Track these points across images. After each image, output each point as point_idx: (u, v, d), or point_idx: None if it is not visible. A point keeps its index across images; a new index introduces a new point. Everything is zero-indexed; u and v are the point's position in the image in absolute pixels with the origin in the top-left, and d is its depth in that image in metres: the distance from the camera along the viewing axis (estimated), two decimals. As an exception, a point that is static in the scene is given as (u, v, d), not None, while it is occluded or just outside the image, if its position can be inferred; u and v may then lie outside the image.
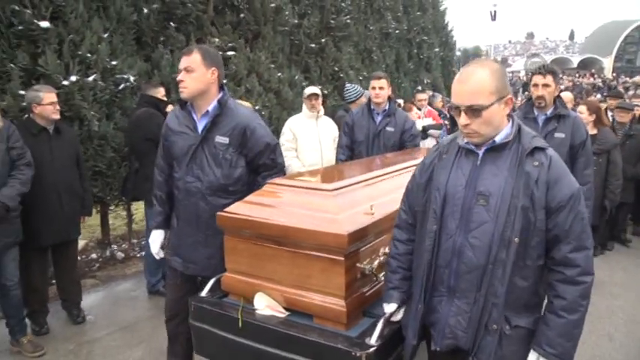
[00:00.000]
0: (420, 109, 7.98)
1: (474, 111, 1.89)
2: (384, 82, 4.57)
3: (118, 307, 4.90)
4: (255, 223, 2.43)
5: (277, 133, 6.15)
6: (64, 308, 4.54)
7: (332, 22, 9.58)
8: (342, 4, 9.95)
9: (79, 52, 5.22)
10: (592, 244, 1.94)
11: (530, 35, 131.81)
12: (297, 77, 8.59)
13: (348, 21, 9.99)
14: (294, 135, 5.42)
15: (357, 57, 10.65)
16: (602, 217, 6.07)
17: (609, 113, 7.38)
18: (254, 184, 2.90)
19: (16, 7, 4.80)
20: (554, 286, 1.93)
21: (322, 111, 5.61)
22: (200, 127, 2.88)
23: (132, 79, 5.74)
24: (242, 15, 7.72)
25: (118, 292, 5.28)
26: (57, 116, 4.11)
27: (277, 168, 3.01)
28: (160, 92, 4.94)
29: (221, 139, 2.83)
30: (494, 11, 39.95)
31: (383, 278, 2.45)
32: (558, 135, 3.83)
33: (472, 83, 1.91)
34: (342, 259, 2.22)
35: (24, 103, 4.55)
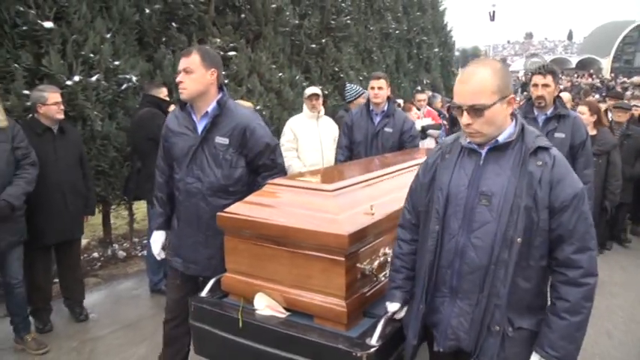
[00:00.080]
0: (419, 110, 7.99)
1: (476, 110, 1.87)
2: (383, 83, 4.55)
3: (121, 305, 4.90)
4: (256, 223, 2.42)
5: (278, 133, 6.17)
6: (66, 306, 4.55)
7: (332, 22, 9.56)
8: (343, 5, 9.92)
9: (83, 53, 5.22)
10: (596, 245, 1.91)
11: (529, 35, 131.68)
12: (297, 77, 8.57)
13: (349, 21, 9.96)
14: (295, 135, 5.42)
15: (357, 57, 10.63)
16: (602, 218, 6.07)
17: (609, 114, 7.40)
18: (254, 185, 2.88)
19: (21, 8, 4.80)
20: (556, 287, 1.90)
21: (323, 111, 5.61)
22: (200, 127, 2.87)
23: (134, 79, 5.74)
24: (243, 15, 7.71)
25: (120, 291, 5.29)
26: (61, 116, 4.12)
27: (277, 168, 2.99)
28: (163, 92, 4.95)
29: (221, 140, 2.82)
30: (493, 11, 39.95)
31: (383, 278, 2.44)
32: (558, 135, 3.81)
33: (474, 83, 1.89)
34: (343, 259, 2.21)
35: (28, 103, 4.56)
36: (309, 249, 2.29)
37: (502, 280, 1.87)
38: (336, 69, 9.63)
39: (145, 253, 5.89)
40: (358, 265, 2.31)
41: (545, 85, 3.89)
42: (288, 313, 2.40)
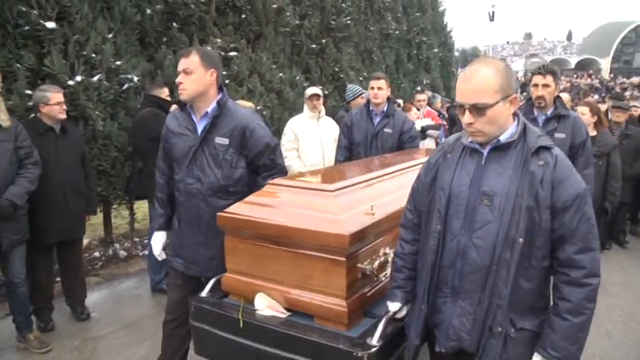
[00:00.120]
0: (419, 110, 8.00)
1: (478, 109, 1.86)
2: (382, 83, 4.54)
3: (122, 304, 4.89)
4: (256, 223, 2.41)
5: (279, 133, 6.18)
6: (68, 305, 4.55)
7: (332, 22, 9.56)
8: (343, 5, 9.94)
9: (84, 53, 5.23)
10: (598, 246, 1.89)
11: (528, 36, 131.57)
12: (298, 78, 8.58)
13: (349, 22, 9.97)
14: (296, 135, 5.42)
15: (357, 57, 10.64)
16: (602, 219, 6.07)
17: (609, 114, 7.40)
18: (254, 185, 2.88)
19: (23, 8, 4.81)
20: (559, 287, 1.88)
21: (323, 111, 5.61)
22: (200, 128, 2.86)
23: (135, 79, 5.75)
24: (244, 16, 7.71)
25: (122, 290, 5.28)
26: (63, 116, 4.12)
27: (277, 168, 2.98)
28: (164, 92, 4.95)
29: (221, 140, 2.81)
30: (493, 12, 39.97)
31: (383, 278, 2.43)
32: (558, 135, 3.79)
33: (476, 81, 1.87)
34: (344, 259, 2.20)
35: (30, 103, 4.57)
36: (309, 249, 2.28)
37: (504, 281, 1.85)
38: (337, 69, 9.63)
39: (146, 252, 5.90)
40: (359, 265, 2.30)
41: (546, 86, 3.88)
42: (288, 314, 2.39)
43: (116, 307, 4.83)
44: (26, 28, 4.86)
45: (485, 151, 1.96)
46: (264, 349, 2.29)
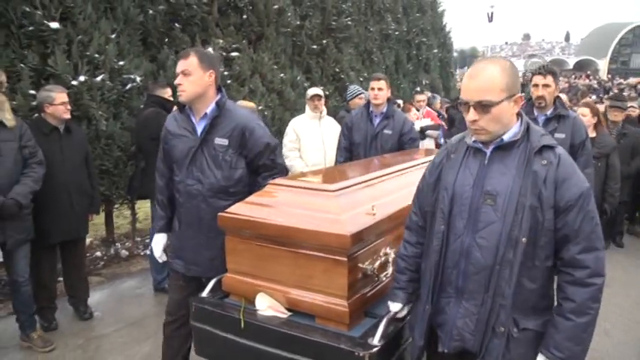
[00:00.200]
0: (418, 110, 8.01)
1: (483, 107, 1.84)
2: (382, 84, 4.51)
3: (124, 304, 4.88)
4: (257, 223, 2.39)
5: (280, 133, 6.18)
6: (71, 305, 4.54)
7: (333, 23, 9.56)
8: (343, 6, 9.93)
9: (88, 53, 5.22)
10: (603, 245, 1.86)
11: (527, 36, 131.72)
12: (299, 78, 8.57)
13: (349, 22, 9.96)
14: (297, 135, 5.41)
15: (357, 58, 10.62)
16: (601, 220, 6.06)
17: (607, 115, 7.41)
18: (254, 186, 2.86)
19: (27, 9, 4.81)
20: (562, 287, 1.86)
21: (325, 111, 5.60)
22: (199, 129, 2.84)
23: (138, 79, 5.74)
24: (245, 16, 7.70)
25: (124, 290, 5.27)
26: (68, 116, 4.11)
27: (277, 168, 2.96)
28: (167, 92, 4.94)
29: (220, 141, 2.79)
30: (491, 13, 39.90)
31: (384, 278, 2.42)
32: (558, 135, 3.77)
33: (483, 79, 1.86)
34: (345, 259, 2.18)
35: (34, 103, 4.57)
36: (311, 249, 2.27)
37: (507, 281, 1.84)
38: (337, 70, 9.63)
39: (147, 252, 5.88)
40: (360, 265, 2.28)
41: (546, 86, 3.88)
42: (289, 314, 2.38)
43: (119, 307, 4.82)
44: (30, 28, 4.86)
45: (488, 151, 1.94)
46: (266, 350, 2.27)
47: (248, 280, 2.50)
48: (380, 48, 11.77)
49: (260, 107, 7.10)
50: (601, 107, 7.46)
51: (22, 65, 4.78)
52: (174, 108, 4.67)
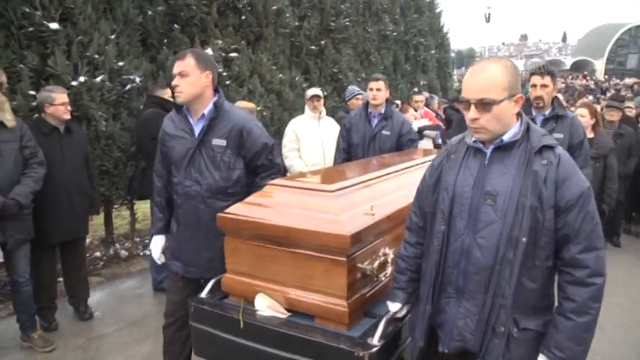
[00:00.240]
0: (416, 111, 8.02)
1: (485, 105, 1.83)
2: (381, 84, 4.50)
3: (124, 304, 4.88)
4: (257, 224, 2.38)
5: (279, 133, 6.17)
6: (71, 305, 4.54)
7: (331, 24, 9.55)
8: (342, 7, 9.91)
9: (87, 54, 5.22)
10: (603, 245, 1.85)
11: (524, 37, 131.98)
12: (297, 78, 8.56)
13: (347, 23, 9.94)
14: (297, 135, 5.41)
15: (355, 59, 10.60)
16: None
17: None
18: (253, 186, 2.86)
19: (27, 9, 4.79)
20: (563, 287, 1.86)
21: (324, 112, 5.60)
22: (197, 130, 2.83)
23: (138, 80, 5.73)
24: (244, 17, 7.69)
25: (123, 290, 5.27)
26: (68, 116, 4.11)
27: (275, 168, 2.96)
28: (167, 93, 4.92)
29: (218, 142, 2.79)
30: (489, 13, 39.93)
31: (383, 278, 2.41)
32: (556, 135, 3.73)
33: (485, 77, 1.85)
34: (344, 259, 2.18)
35: (34, 103, 4.57)
36: (310, 249, 2.26)
37: (507, 280, 1.83)
38: (335, 70, 9.61)
39: (147, 252, 5.89)
40: (359, 265, 2.28)
41: (544, 86, 3.88)
42: (289, 314, 2.37)
43: (119, 307, 4.81)
44: (30, 29, 4.85)
45: (488, 151, 1.94)
46: (265, 350, 2.27)
47: (247, 280, 2.49)
48: (378, 49, 11.76)
49: (259, 108, 7.10)
50: (597, 107, 7.48)
51: (21, 66, 4.77)
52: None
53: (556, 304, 1.92)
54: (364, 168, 3.37)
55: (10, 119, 3.64)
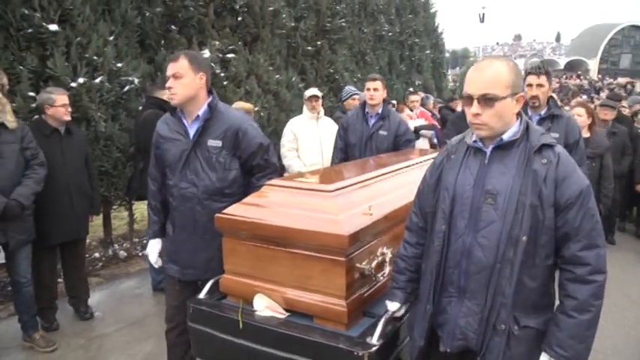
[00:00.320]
0: (412, 110, 8.06)
1: (488, 100, 1.83)
2: (378, 84, 4.50)
3: (124, 304, 4.87)
4: (255, 224, 2.37)
5: (276, 134, 6.18)
6: (71, 305, 4.53)
7: (327, 25, 9.56)
8: (337, 8, 9.92)
9: (86, 55, 5.21)
10: (604, 242, 1.85)
11: (518, 37, 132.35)
12: (294, 79, 8.56)
13: (343, 24, 9.96)
14: (295, 135, 5.41)
15: (351, 59, 10.61)
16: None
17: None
18: (249, 186, 2.85)
19: (26, 11, 4.78)
20: (564, 285, 1.85)
21: (322, 112, 5.60)
22: (191, 132, 2.82)
23: (136, 81, 5.72)
24: (241, 18, 7.68)
25: (123, 290, 5.26)
26: (68, 118, 4.11)
27: (271, 168, 2.95)
28: (166, 94, 4.91)
29: (214, 143, 2.77)
30: (483, 14, 39.98)
31: (382, 278, 2.41)
32: (552, 135, 3.73)
33: (490, 72, 1.85)
34: (343, 259, 2.17)
35: (33, 105, 4.56)
36: (308, 250, 2.25)
37: (508, 279, 1.83)
38: (331, 71, 9.62)
39: (146, 252, 5.90)
40: (358, 265, 2.27)
41: (540, 85, 3.86)
42: (287, 314, 2.36)
43: (119, 306, 4.81)
44: (29, 30, 4.84)
45: (488, 151, 1.93)
46: (264, 350, 2.26)
47: (246, 280, 2.48)
48: (373, 49, 11.77)
49: (256, 108, 7.10)
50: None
51: (21, 67, 4.76)
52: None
53: (556, 302, 1.92)
54: (362, 168, 3.36)
55: (11, 120, 3.64)
